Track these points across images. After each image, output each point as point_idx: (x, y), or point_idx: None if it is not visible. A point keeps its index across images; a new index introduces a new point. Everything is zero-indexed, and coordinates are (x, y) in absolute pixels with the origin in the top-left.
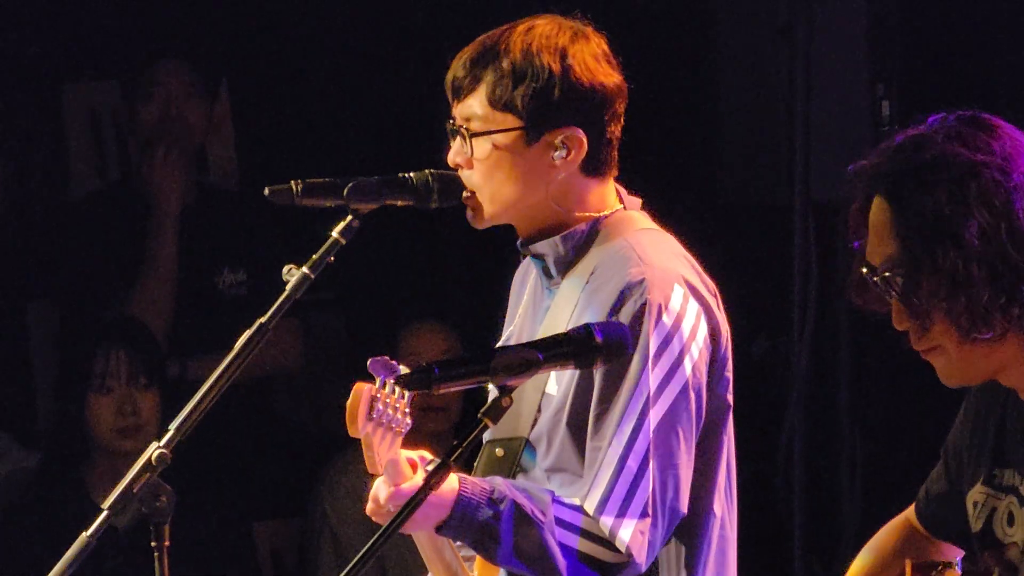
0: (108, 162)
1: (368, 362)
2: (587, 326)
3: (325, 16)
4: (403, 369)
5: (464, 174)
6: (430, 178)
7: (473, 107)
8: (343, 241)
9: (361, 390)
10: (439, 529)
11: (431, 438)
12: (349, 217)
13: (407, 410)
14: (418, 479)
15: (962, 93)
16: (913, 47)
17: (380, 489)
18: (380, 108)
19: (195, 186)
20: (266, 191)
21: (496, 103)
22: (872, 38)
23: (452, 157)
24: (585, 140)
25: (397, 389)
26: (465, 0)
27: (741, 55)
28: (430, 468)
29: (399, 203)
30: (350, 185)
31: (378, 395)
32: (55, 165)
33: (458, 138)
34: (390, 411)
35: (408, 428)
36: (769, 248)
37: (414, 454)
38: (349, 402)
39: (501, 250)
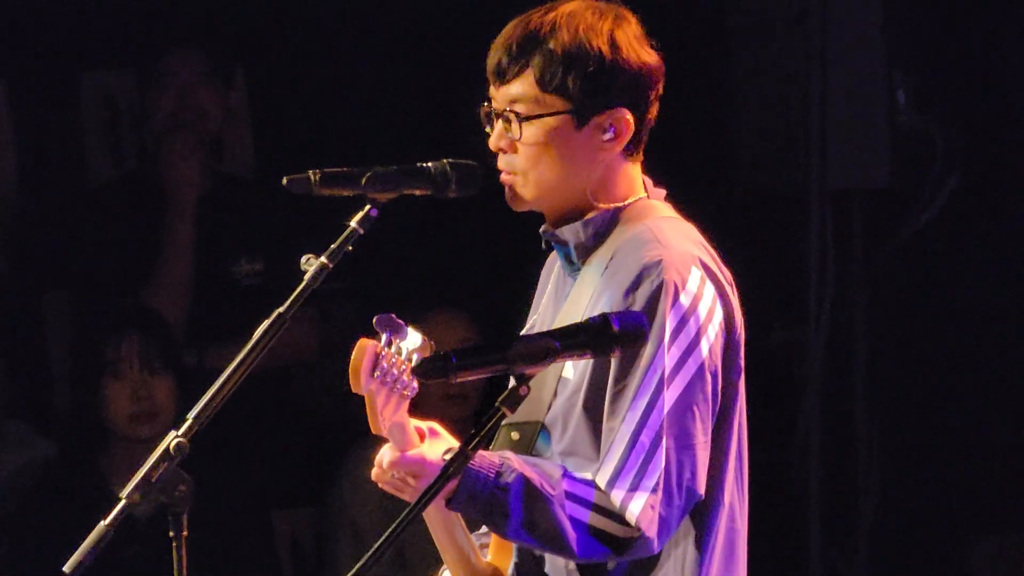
0: (124, 151)
1: (374, 319)
2: (604, 316)
3: (341, 3)
4: (410, 330)
5: (506, 158)
6: (448, 167)
7: (520, 90)
8: (361, 230)
9: (365, 346)
10: (449, 503)
11: (449, 425)
12: (367, 206)
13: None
14: (424, 451)
15: (977, 80)
16: (928, 34)
17: (385, 454)
18: (398, 96)
19: (211, 175)
20: (283, 180)
21: (546, 86)
22: (887, 26)
23: (495, 141)
24: (633, 121)
25: (404, 350)
26: None
27: (756, 43)
28: (447, 457)
29: (417, 192)
30: (368, 174)
31: (383, 353)
32: (71, 154)
33: (500, 122)
34: (395, 371)
35: (415, 392)
36: (785, 237)
37: (424, 425)
38: (352, 357)
39: (519, 239)
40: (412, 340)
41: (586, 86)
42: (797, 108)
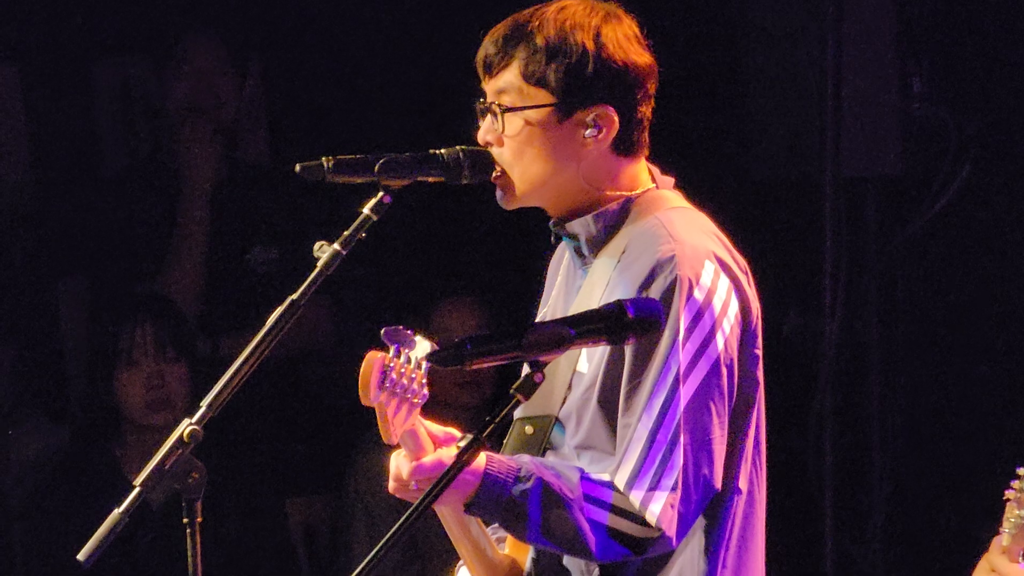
0: (139, 138)
1: (381, 331)
2: (619, 302)
3: None
4: (419, 339)
5: (494, 152)
6: (461, 154)
7: (505, 83)
8: (374, 217)
9: (374, 359)
10: (467, 508)
11: (464, 412)
12: (380, 193)
13: (424, 381)
14: (441, 454)
15: (990, 68)
16: (943, 22)
17: (402, 464)
18: (411, 83)
19: (226, 163)
20: (297, 168)
21: (529, 78)
22: (902, 13)
23: (482, 135)
24: (616, 119)
25: (413, 359)
26: None
27: (771, 31)
28: (462, 444)
29: (430, 179)
30: (381, 161)
31: (391, 364)
32: (86, 141)
33: (489, 115)
34: (404, 381)
35: (425, 399)
36: (799, 224)
37: (439, 430)
38: (361, 371)
39: (532, 226)
40: (421, 348)
41: (568, 80)
42: (811, 96)
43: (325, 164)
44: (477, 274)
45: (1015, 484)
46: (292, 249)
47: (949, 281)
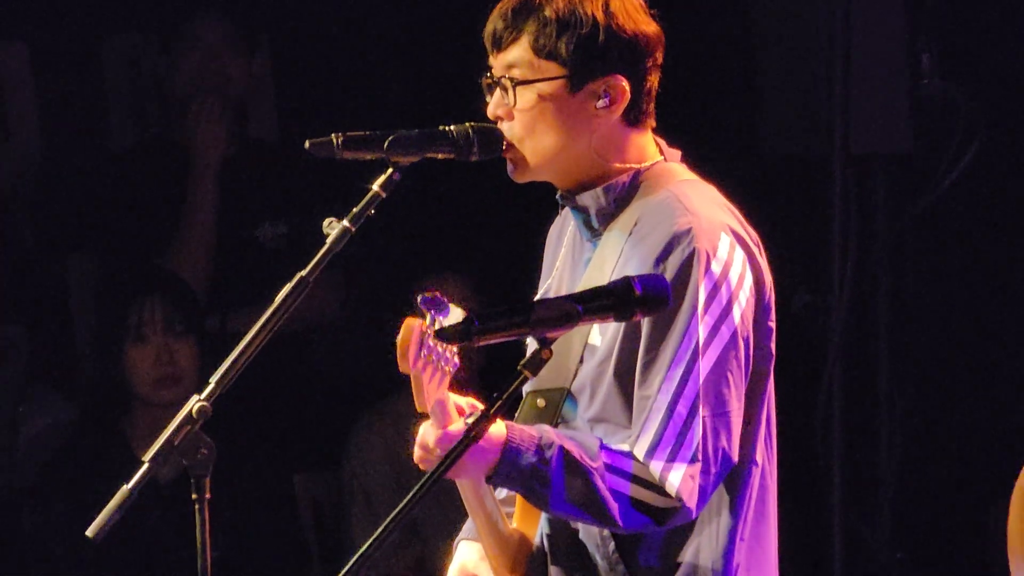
0: (148, 115)
1: (418, 298)
2: (627, 279)
3: None
4: (452, 307)
5: (504, 126)
6: (470, 131)
7: (515, 57)
8: (384, 194)
9: (412, 326)
10: (489, 478)
11: (453, 385)
12: (390, 170)
13: (455, 349)
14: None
15: (1000, 45)
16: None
17: (428, 434)
18: (420, 60)
19: (235, 139)
20: (306, 144)
21: (540, 51)
22: None
23: (492, 110)
24: (628, 88)
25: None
26: None
27: (780, 8)
28: (471, 420)
29: (439, 156)
30: (390, 138)
31: (428, 332)
32: (95, 118)
33: (498, 90)
34: (440, 348)
35: (456, 368)
36: (808, 201)
37: (463, 401)
38: (400, 337)
39: (532, 203)
40: (454, 317)
41: (579, 51)
42: (821, 73)
43: (335, 140)
44: (468, 252)
45: None
46: (301, 225)
47: (958, 258)
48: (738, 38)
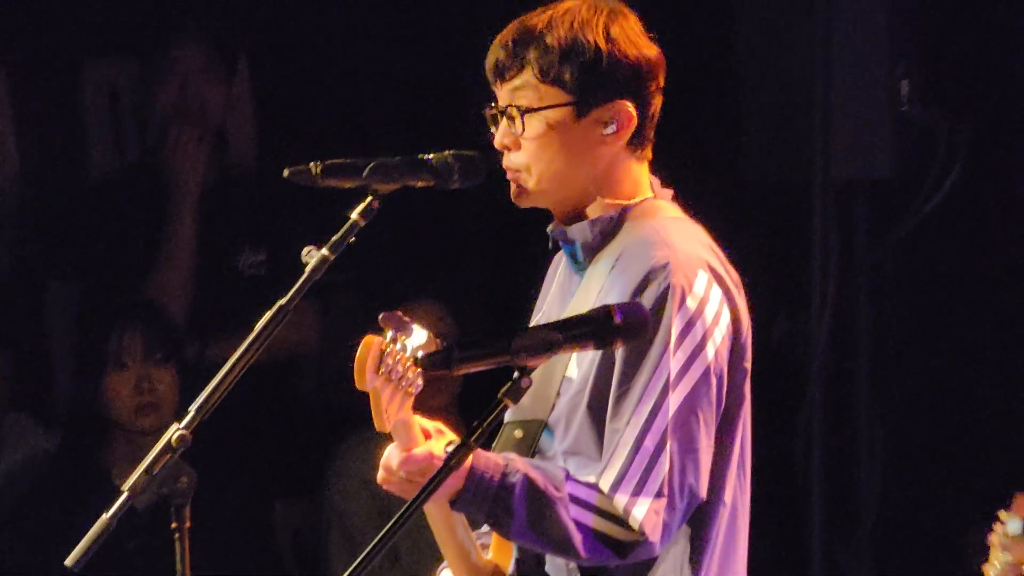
0: (127, 141)
1: (380, 316)
2: (606, 307)
3: None
4: (416, 327)
5: (510, 156)
6: (450, 159)
7: (520, 85)
8: (363, 222)
9: (371, 342)
10: (453, 503)
11: (434, 413)
12: (369, 198)
13: (419, 371)
14: (431, 446)
15: (980, 71)
16: (932, 26)
17: (392, 455)
18: (401, 87)
19: (214, 166)
20: (286, 172)
21: (544, 78)
22: (892, 17)
23: (499, 140)
24: (635, 113)
25: (408, 347)
26: None
27: (762, 34)
28: (450, 449)
29: (419, 184)
30: (370, 166)
31: (388, 350)
32: (74, 145)
33: (504, 120)
34: (399, 368)
35: (419, 389)
36: (789, 227)
37: (430, 425)
38: (358, 354)
39: (511, 232)
40: (417, 337)
41: (584, 78)
42: (802, 99)
43: (314, 168)
44: (456, 280)
45: (997, 528)
46: (280, 253)
47: (938, 284)
48: (720, 64)
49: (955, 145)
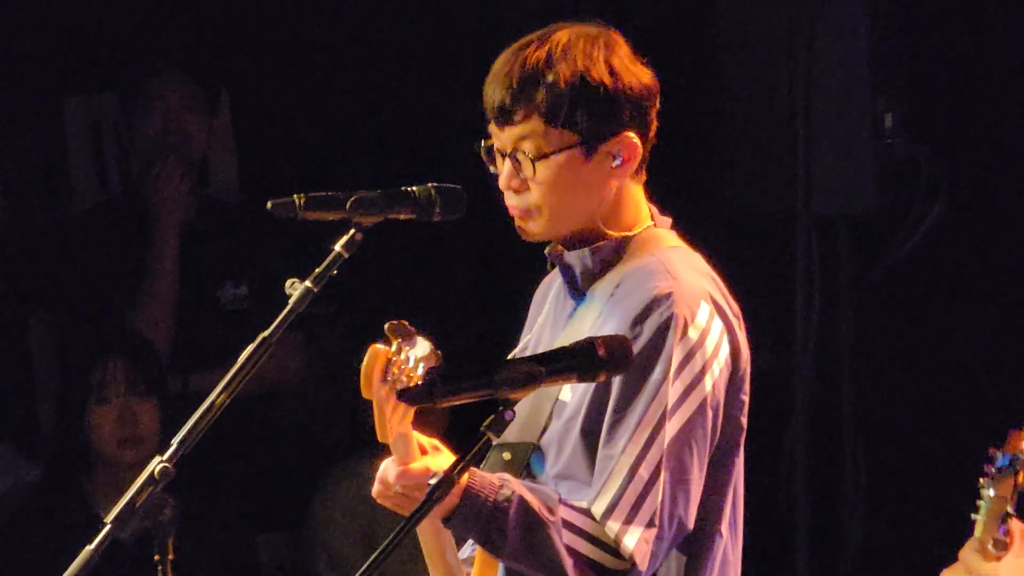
0: (109, 174)
1: (386, 325)
2: (590, 339)
3: (326, 27)
4: (420, 339)
5: (517, 198)
6: (433, 191)
7: (527, 130)
8: (346, 255)
9: (378, 352)
10: (446, 521)
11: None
12: (352, 230)
13: (420, 382)
14: (428, 462)
15: (963, 106)
16: (915, 60)
17: (388, 469)
18: (383, 120)
19: (196, 199)
20: (268, 204)
21: (554, 123)
22: (874, 50)
23: (505, 183)
24: (639, 143)
25: (412, 358)
26: (469, 11)
27: (744, 67)
28: (433, 482)
29: (402, 216)
30: (353, 198)
31: (393, 360)
32: (56, 177)
33: (509, 163)
34: (404, 378)
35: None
36: (772, 261)
37: (428, 441)
38: (364, 363)
39: (496, 263)
40: (421, 348)
41: (594, 117)
42: (784, 132)
43: (296, 201)
44: (434, 311)
45: (988, 467)
46: (263, 286)
47: (921, 319)
48: (703, 96)
49: (938, 180)
